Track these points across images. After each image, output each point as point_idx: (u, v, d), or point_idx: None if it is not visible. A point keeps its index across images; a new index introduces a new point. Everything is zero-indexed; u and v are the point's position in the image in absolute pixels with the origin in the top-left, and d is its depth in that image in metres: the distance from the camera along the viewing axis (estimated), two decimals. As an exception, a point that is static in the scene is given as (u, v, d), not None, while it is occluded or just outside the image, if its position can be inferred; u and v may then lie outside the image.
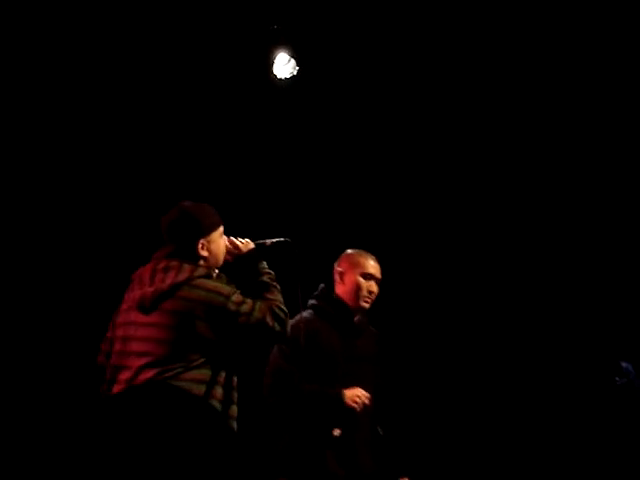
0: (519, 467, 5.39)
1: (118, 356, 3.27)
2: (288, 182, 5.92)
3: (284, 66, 5.50)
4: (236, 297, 3.24)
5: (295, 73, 5.48)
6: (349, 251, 4.03)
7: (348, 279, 3.95)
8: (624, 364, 4.17)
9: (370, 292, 3.92)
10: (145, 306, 3.23)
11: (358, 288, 3.92)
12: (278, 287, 3.37)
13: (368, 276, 3.94)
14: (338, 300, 3.94)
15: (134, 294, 3.29)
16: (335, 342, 3.85)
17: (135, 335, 3.23)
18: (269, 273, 3.41)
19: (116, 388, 3.23)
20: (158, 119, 5.67)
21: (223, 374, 3.25)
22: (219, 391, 3.22)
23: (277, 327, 3.25)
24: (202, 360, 3.20)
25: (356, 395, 3.71)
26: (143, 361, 3.18)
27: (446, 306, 5.77)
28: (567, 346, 5.49)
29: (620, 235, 5.46)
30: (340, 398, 3.69)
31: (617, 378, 4.10)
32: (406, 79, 5.65)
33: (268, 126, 5.82)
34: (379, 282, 3.96)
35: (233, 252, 3.45)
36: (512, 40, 5.39)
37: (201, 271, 3.28)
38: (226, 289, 3.25)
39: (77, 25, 5.21)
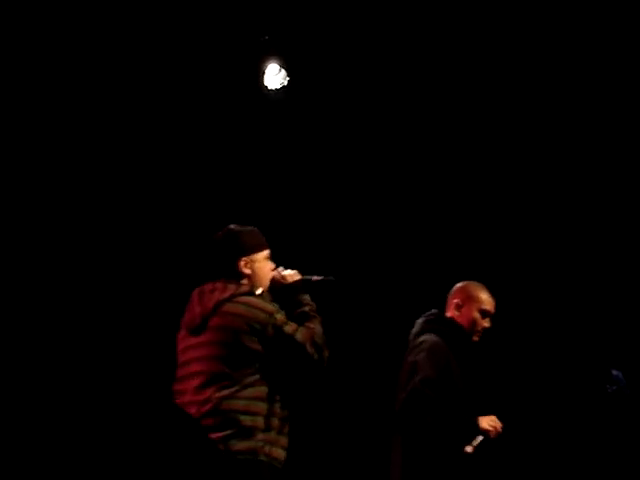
0: (510, 472, 5.38)
1: (179, 382, 3.32)
2: (279, 193, 5.92)
3: (275, 77, 5.50)
4: (280, 317, 3.27)
5: (286, 83, 5.49)
6: (468, 283, 4.05)
7: (465, 312, 3.98)
8: (615, 372, 4.18)
9: (483, 329, 3.98)
10: (195, 328, 3.30)
11: (474, 323, 3.96)
12: (319, 319, 3.38)
13: (486, 313, 3.99)
14: (460, 328, 3.98)
15: (186, 319, 3.37)
16: (457, 367, 3.92)
17: (191, 357, 3.30)
18: (311, 305, 3.42)
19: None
20: (149, 129, 5.67)
21: (279, 390, 3.27)
22: (277, 409, 3.25)
23: (316, 356, 3.25)
24: (257, 376, 3.23)
25: (492, 420, 3.80)
26: (198, 381, 3.24)
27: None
28: (559, 354, 5.49)
29: (616, 244, 5.45)
30: (476, 423, 3.77)
31: (608, 386, 4.11)
32: (397, 89, 5.65)
33: (259, 137, 5.82)
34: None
35: (279, 281, 3.47)
36: (504, 37, 5.42)
37: (244, 289, 3.32)
38: (269, 307, 3.28)
39: (71, 29, 5.21)
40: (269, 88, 5.51)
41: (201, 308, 3.31)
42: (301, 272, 3.49)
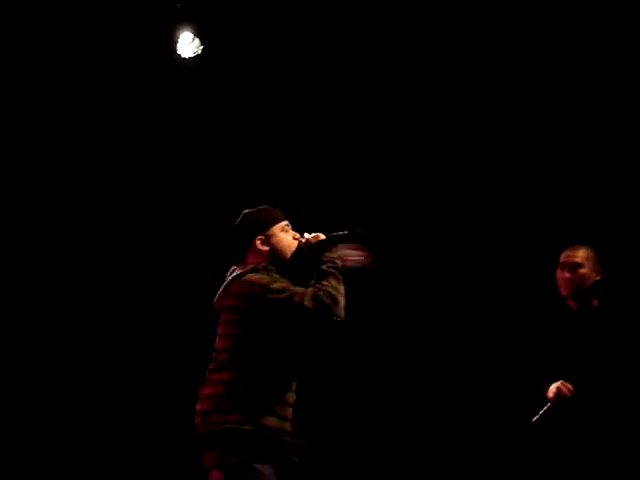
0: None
1: None
2: (194, 165, 5.87)
3: (188, 45, 5.41)
4: (277, 285, 3.28)
5: (199, 52, 5.41)
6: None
7: None
8: None
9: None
10: (217, 310, 3.43)
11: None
12: (337, 274, 3.33)
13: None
14: None
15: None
16: None
17: (217, 334, 3.43)
18: (332, 262, 3.38)
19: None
20: (57, 101, 5.56)
21: (273, 370, 3.28)
22: (263, 388, 3.26)
23: (316, 310, 3.21)
24: (253, 353, 3.28)
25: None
26: (213, 355, 3.38)
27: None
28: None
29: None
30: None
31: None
32: (316, 56, 5.60)
33: (173, 107, 5.74)
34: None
35: (304, 246, 3.46)
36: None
37: (249, 267, 3.38)
38: (266, 279, 3.30)
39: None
40: (183, 57, 5.42)
41: (219, 292, 3.43)
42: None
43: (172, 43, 5.39)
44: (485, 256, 5.56)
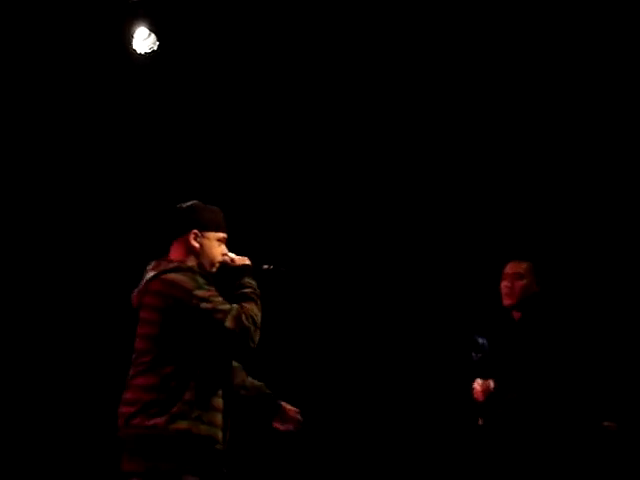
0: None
1: None
2: (147, 163, 5.79)
3: (144, 41, 5.33)
4: (201, 293, 3.16)
5: (155, 48, 5.32)
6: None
7: None
8: (480, 339, 4.29)
9: None
10: (135, 306, 3.31)
11: None
12: (258, 302, 3.26)
13: None
14: None
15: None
16: None
17: (136, 334, 3.30)
18: (253, 288, 3.30)
19: None
20: (9, 98, 5.45)
21: (197, 375, 3.17)
22: (189, 393, 3.14)
23: (236, 332, 3.12)
24: (178, 353, 3.17)
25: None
26: (133, 356, 3.26)
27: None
28: (424, 323, 5.58)
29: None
30: None
31: (473, 354, 4.22)
32: (275, 52, 5.55)
33: (127, 103, 5.66)
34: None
35: (228, 264, 3.37)
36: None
37: (173, 265, 3.25)
38: (190, 283, 3.18)
39: None
40: (138, 52, 5.32)
41: (140, 286, 3.29)
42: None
43: (127, 39, 5.30)
44: (432, 267, 5.63)
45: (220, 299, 3.18)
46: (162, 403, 3.12)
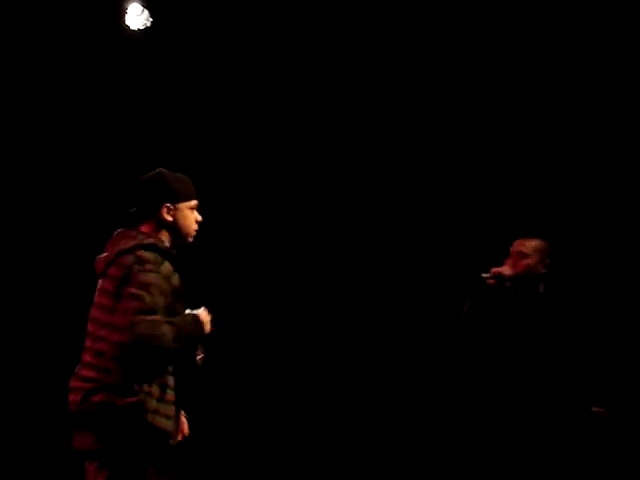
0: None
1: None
2: (141, 138, 5.72)
3: (137, 17, 5.29)
4: (148, 297, 3.01)
5: (149, 24, 5.29)
6: None
7: None
8: None
9: None
10: (100, 273, 3.18)
11: None
12: (175, 342, 3.05)
13: None
14: None
15: (97, 261, 3.25)
16: None
17: (94, 303, 3.19)
18: (186, 337, 3.11)
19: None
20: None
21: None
22: (141, 373, 3.04)
23: (137, 340, 2.97)
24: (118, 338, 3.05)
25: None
26: (89, 328, 3.15)
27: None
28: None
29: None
30: None
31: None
32: (268, 27, 5.49)
33: (120, 81, 5.58)
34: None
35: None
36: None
37: (149, 241, 3.13)
38: (151, 278, 3.04)
39: None
40: (131, 29, 5.29)
41: (107, 254, 3.18)
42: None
43: (120, 15, 5.26)
44: (437, 242, 5.56)
45: (154, 302, 3.03)
46: (119, 386, 3.02)
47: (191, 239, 3.28)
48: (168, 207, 3.20)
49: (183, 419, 3.32)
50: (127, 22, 5.30)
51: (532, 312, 4.04)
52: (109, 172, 5.63)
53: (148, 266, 3.06)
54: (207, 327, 3.18)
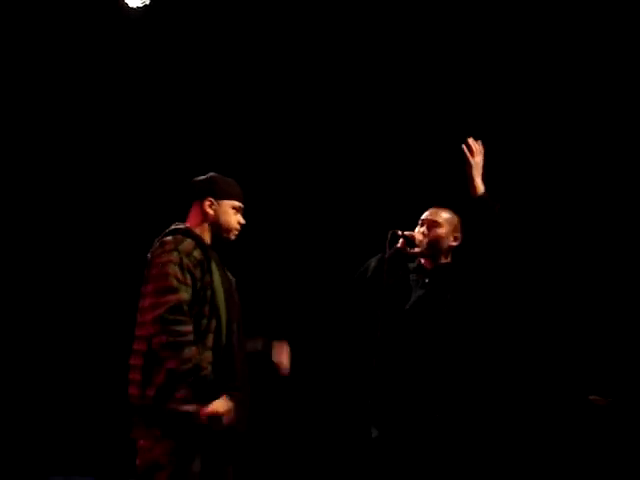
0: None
1: None
2: (138, 120, 5.60)
3: (136, -6, 5.18)
4: (169, 268, 3.18)
5: (148, 2, 5.16)
6: None
7: None
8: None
9: None
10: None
11: None
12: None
13: None
14: None
15: None
16: None
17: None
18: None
19: None
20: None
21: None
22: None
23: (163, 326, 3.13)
24: None
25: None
26: (138, 318, 3.30)
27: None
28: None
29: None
30: None
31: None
32: (274, 9, 5.37)
33: (118, 59, 5.47)
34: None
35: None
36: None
37: (180, 226, 3.35)
38: (171, 268, 3.19)
39: None
40: (130, 6, 5.17)
41: (154, 246, 3.39)
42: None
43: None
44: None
45: (176, 279, 3.18)
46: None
47: (232, 237, 3.46)
48: (211, 201, 3.43)
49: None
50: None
51: (431, 282, 3.79)
52: (109, 156, 5.56)
53: (167, 246, 3.26)
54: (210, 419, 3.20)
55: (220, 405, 3.14)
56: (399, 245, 3.74)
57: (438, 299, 3.72)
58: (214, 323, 3.23)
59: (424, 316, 3.71)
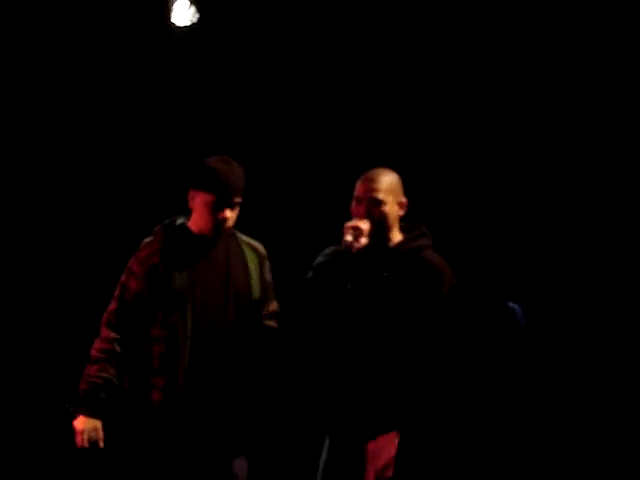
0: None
1: None
2: (187, 136, 5.70)
3: (184, 13, 5.26)
4: (128, 280, 3.29)
5: (195, 21, 5.27)
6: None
7: None
8: (511, 304, 4.11)
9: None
10: None
11: None
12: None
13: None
14: None
15: None
16: None
17: None
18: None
19: None
20: (43, 72, 5.37)
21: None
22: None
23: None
24: None
25: None
26: None
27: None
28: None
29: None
30: None
31: (505, 318, 4.03)
32: (313, 23, 5.42)
33: (166, 78, 5.55)
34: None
35: None
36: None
37: (145, 243, 3.33)
38: (134, 264, 3.31)
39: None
40: (177, 25, 5.27)
41: None
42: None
43: (166, 11, 5.24)
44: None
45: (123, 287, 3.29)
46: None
47: (211, 233, 3.28)
48: (192, 193, 3.28)
49: None
50: (173, 19, 5.29)
51: (384, 265, 3.29)
52: (160, 168, 5.65)
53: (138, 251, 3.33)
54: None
55: (77, 423, 3.18)
56: (348, 241, 3.25)
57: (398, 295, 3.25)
58: (174, 329, 3.21)
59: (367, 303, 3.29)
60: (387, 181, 3.31)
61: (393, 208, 3.31)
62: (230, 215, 3.26)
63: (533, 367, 4.19)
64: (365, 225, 3.24)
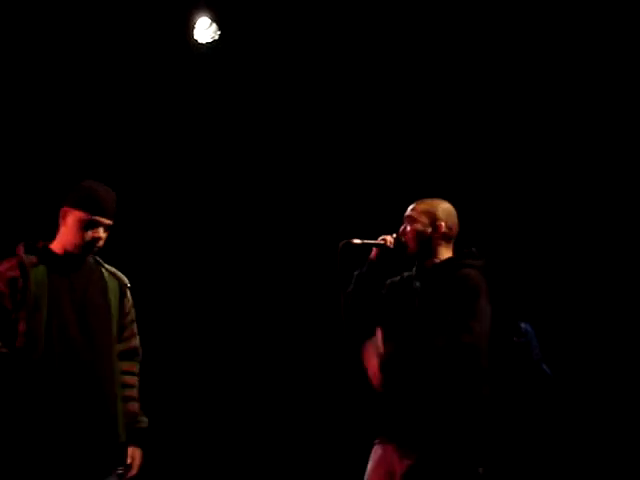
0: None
1: None
2: (209, 154, 5.79)
3: (205, 30, 5.35)
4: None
5: (217, 38, 5.34)
6: None
7: None
8: (523, 324, 4.13)
9: None
10: None
11: None
12: None
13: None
14: None
15: None
16: None
17: None
18: None
19: None
20: (70, 89, 5.46)
21: None
22: None
23: None
24: None
25: None
26: None
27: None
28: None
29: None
30: None
31: (515, 338, 4.05)
32: (332, 42, 5.48)
33: (188, 94, 5.64)
34: None
35: None
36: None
37: (6, 261, 3.29)
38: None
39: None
40: (199, 42, 5.35)
41: None
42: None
43: (189, 29, 5.32)
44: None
45: None
46: None
47: (80, 251, 3.30)
48: (65, 211, 3.30)
49: None
50: (195, 36, 5.38)
51: (422, 286, 3.45)
52: (177, 181, 5.72)
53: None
54: None
55: None
56: (372, 255, 3.49)
57: (428, 305, 3.40)
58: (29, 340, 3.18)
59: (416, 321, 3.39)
60: (426, 204, 3.56)
61: (427, 228, 3.50)
62: (103, 235, 3.31)
63: (546, 387, 4.23)
64: (389, 237, 3.50)
